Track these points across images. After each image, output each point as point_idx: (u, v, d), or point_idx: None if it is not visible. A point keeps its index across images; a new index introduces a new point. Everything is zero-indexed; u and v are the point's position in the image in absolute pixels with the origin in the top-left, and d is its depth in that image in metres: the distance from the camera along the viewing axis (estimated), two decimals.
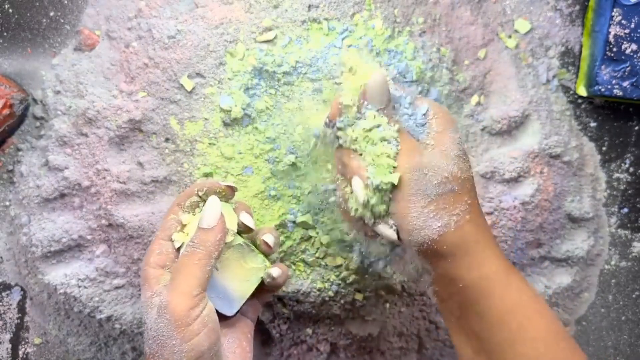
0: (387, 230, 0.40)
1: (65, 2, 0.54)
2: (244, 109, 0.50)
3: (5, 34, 0.54)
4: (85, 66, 0.52)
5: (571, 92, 0.58)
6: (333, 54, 0.50)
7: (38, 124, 0.55)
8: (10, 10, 0.54)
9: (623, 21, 0.53)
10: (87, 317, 0.54)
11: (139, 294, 0.54)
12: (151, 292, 0.39)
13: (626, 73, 0.54)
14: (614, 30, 0.53)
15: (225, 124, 0.51)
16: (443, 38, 0.53)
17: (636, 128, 0.59)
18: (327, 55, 0.50)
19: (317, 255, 0.52)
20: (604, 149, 0.59)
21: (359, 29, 0.51)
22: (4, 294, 0.57)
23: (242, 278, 0.43)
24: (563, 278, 0.58)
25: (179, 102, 0.51)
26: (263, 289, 0.45)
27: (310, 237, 0.52)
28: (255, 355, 0.48)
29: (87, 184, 0.51)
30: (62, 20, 0.54)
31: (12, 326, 0.58)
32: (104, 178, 0.51)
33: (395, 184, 0.38)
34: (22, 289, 0.57)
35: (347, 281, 0.52)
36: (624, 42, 0.53)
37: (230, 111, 0.50)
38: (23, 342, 0.58)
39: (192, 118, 0.51)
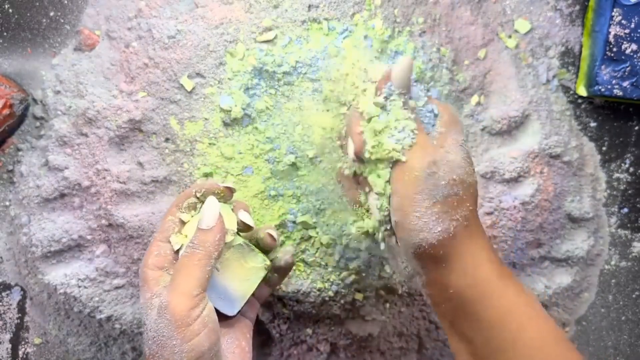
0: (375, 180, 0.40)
1: (65, 2, 0.54)
2: (244, 109, 0.50)
3: (5, 34, 0.54)
4: (85, 66, 0.52)
5: (571, 92, 0.58)
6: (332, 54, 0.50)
7: (38, 124, 0.55)
8: (10, 10, 0.54)
9: (623, 21, 0.53)
10: (87, 317, 0.54)
11: (139, 295, 0.54)
12: (151, 294, 0.39)
13: (626, 73, 0.54)
14: (614, 30, 0.53)
15: (225, 124, 0.51)
16: (443, 38, 0.53)
17: (636, 128, 0.59)
18: (327, 55, 0.50)
19: (317, 255, 0.52)
20: (604, 149, 0.59)
21: (359, 29, 0.51)
22: (4, 294, 0.57)
23: (242, 278, 0.43)
24: (563, 278, 0.58)
25: (179, 102, 0.51)
26: (262, 286, 0.45)
27: (310, 237, 0.52)
28: (254, 355, 0.48)
29: (87, 184, 0.51)
30: (62, 20, 0.54)
31: (12, 326, 0.58)
32: (104, 178, 0.51)
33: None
34: (22, 289, 0.57)
35: (347, 281, 0.52)
36: (624, 42, 0.53)
37: (230, 111, 0.50)
38: (23, 342, 0.58)
39: (192, 118, 0.51)
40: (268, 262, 0.44)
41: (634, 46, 0.53)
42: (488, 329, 0.38)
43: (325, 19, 0.51)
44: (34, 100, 0.55)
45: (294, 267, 0.52)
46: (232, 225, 0.42)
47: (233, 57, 0.51)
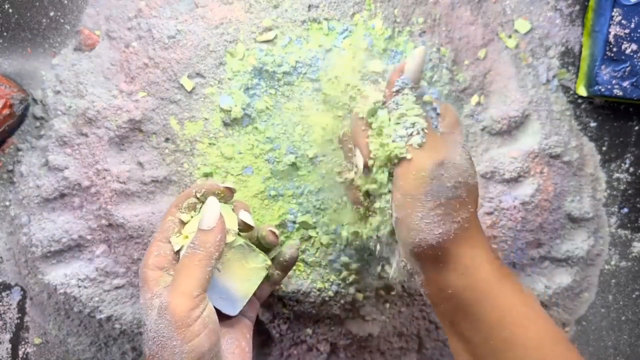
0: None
1: (65, 2, 0.54)
2: (244, 109, 0.50)
3: (5, 34, 0.54)
4: (85, 66, 0.52)
5: (571, 92, 0.58)
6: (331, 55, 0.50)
7: (38, 124, 0.55)
8: (10, 10, 0.54)
9: (623, 21, 0.53)
10: (87, 317, 0.54)
11: (139, 295, 0.54)
12: (151, 294, 0.39)
13: (626, 73, 0.54)
14: (614, 30, 0.53)
15: (225, 124, 0.51)
16: (443, 38, 0.53)
17: (636, 128, 0.59)
18: (326, 55, 0.50)
19: (317, 255, 0.52)
20: (604, 149, 0.59)
21: (359, 29, 0.51)
22: (4, 294, 0.57)
23: (244, 278, 0.43)
24: (563, 278, 0.58)
25: (179, 102, 0.51)
26: (263, 286, 0.45)
27: (310, 237, 0.52)
28: (254, 355, 0.48)
29: (87, 184, 0.51)
30: (62, 20, 0.54)
31: (12, 326, 0.58)
32: (104, 178, 0.51)
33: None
34: (22, 289, 0.57)
35: (347, 281, 0.52)
36: (624, 42, 0.53)
37: (230, 111, 0.50)
38: (23, 342, 0.58)
39: (192, 118, 0.51)
40: (269, 262, 0.44)
41: (634, 46, 0.53)
42: (487, 329, 0.38)
43: (325, 19, 0.51)
44: (34, 100, 0.55)
45: (294, 267, 0.52)
46: (233, 226, 0.42)
47: (233, 57, 0.51)
